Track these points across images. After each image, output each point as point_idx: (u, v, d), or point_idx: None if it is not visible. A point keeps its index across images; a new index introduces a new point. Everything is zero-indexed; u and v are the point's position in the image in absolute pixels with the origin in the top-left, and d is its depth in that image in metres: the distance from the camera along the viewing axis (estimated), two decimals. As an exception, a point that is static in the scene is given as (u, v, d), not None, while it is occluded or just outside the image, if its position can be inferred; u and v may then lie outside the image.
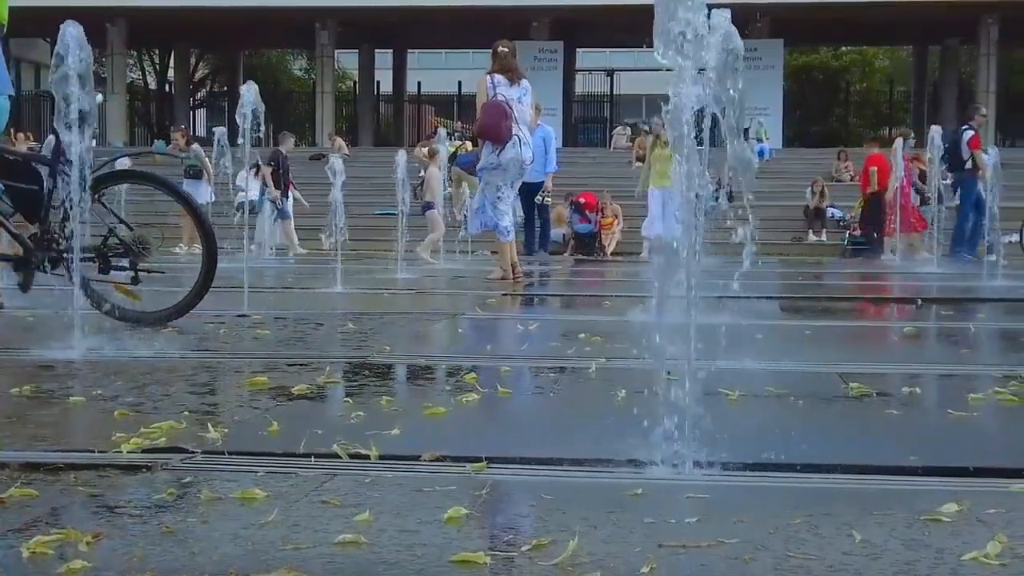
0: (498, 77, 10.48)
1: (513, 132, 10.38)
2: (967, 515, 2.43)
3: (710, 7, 3.08)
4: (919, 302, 8.91)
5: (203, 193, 18.95)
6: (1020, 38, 36.20)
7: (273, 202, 18.47)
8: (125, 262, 6.17)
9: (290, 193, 19.12)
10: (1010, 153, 24.57)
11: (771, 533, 2.30)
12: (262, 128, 8.75)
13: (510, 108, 10.36)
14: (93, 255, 6.12)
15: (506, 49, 10.61)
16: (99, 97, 7.69)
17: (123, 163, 18.61)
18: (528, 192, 16.03)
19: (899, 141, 19.09)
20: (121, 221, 6.27)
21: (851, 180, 24.92)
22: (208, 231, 6.34)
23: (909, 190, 18.43)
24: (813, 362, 5.01)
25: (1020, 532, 2.29)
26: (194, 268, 6.48)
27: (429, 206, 15.89)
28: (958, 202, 17.76)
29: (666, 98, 3.01)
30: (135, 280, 6.20)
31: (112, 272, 6.20)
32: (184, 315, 6.26)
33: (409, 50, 43.85)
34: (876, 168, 19.43)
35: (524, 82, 10.68)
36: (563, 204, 21.14)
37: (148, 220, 6.68)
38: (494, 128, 10.47)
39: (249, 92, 8.59)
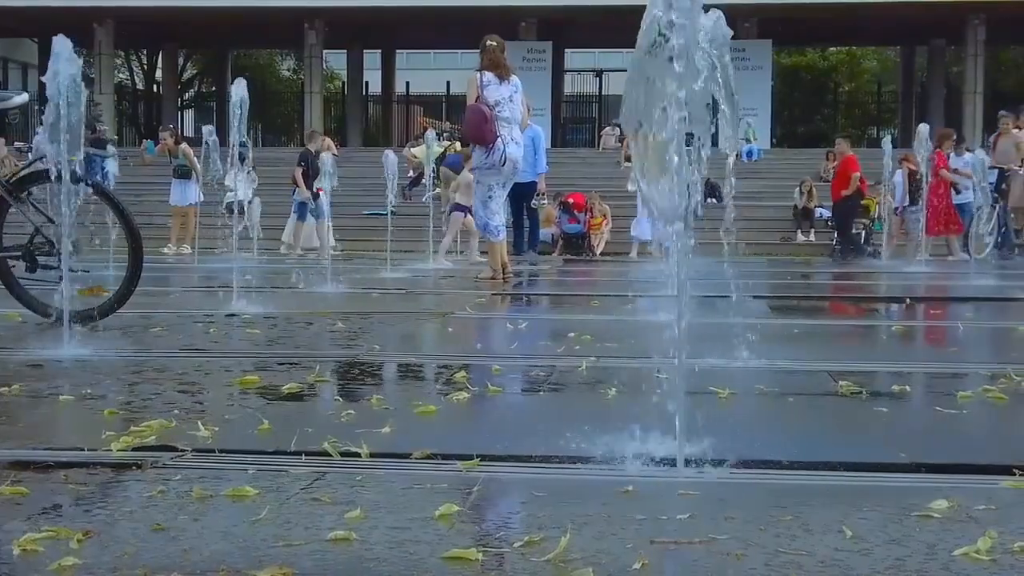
0: (488, 76, 10.45)
1: (497, 133, 10.37)
2: (957, 511, 2.44)
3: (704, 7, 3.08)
4: (908, 300, 8.95)
5: (192, 193, 18.92)
6: (1007, 38, 36.36)
7: (304, 203, 18.34)
8: (53, 261, 6.09)
9: (322, 193, 18.84)
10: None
11: (762, 530, 2.30)
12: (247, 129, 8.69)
13: (490, 110, 10.34)
14: (19, 254, 6.10)
15: (494, 43, 10.58)
16: (24, 96, 7.58)
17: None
18: (518, 192, 16.02)
19: (887, 140, 19.11)
20: (50, 220, 6.22)
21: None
22: (135, 233, 6.21)
23: (948, 190, 18.26)
24: (803, 360, 5.02)
25: (1010, 528, 2.30)
26: (184, 268, 6.46)
27: (458, 208, 15.94)
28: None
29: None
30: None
31: (39, 271, 6.15)
32: (109, 315, 6.17)
33: (397, 50, 43.83)
34: (859, 174, 19.43)
35: (514, 78, 10.65)
36: (552, 204, 21.15)
37: (137, 221, 6.63)
38: (475, 133, 10.52)
39: (238, 90, 8.54)
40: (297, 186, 18.47)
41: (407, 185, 23.66)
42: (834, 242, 20.31)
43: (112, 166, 19.11)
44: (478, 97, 10.42)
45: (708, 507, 2.47)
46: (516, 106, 10.56)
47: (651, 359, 3.25)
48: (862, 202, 20.62)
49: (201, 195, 18.67)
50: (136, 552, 2.14)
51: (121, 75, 45.18)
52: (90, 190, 5.84)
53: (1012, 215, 17.67)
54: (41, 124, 5.44)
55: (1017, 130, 17.83)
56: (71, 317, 5.97)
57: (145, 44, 44.39)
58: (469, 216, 15.34)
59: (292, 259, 16.80)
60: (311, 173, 18.28)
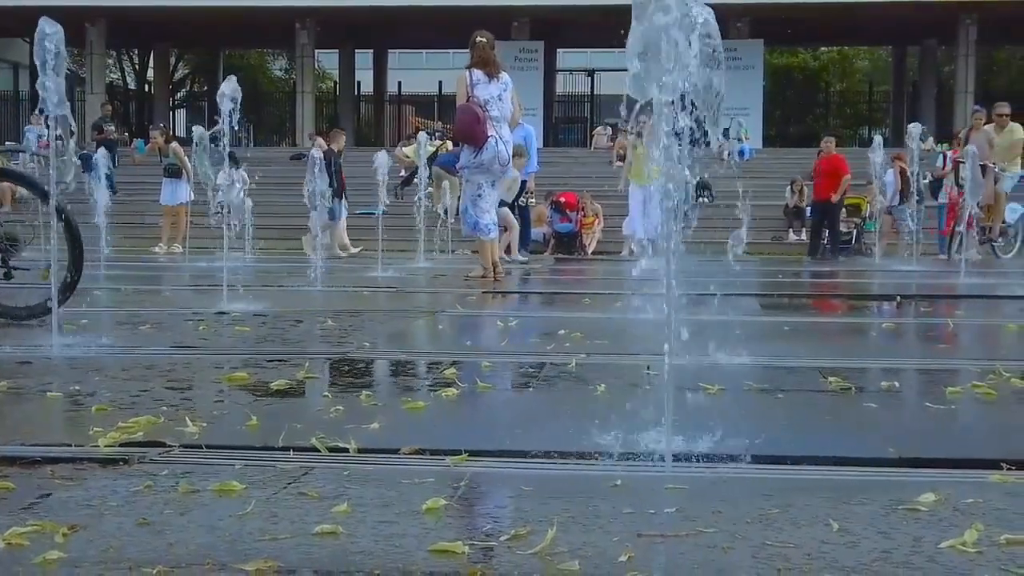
0: (477, 74, 10.43)
1: (489, 134, 10.35)
2: (944, 504, 2.44)
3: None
4: (899, 299, 8.96)
5: (183, 193, 18.88)
6: (998, 38, 36.42)
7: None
8: None
9: (344, 192, 18.72)
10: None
11: (749, 523, 2.30)
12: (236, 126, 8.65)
13: (483, 111, 10.32)
14: None
15: (484, 40, 10.55)
16: None
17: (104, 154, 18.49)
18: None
19: (877, 139, 19.08)
20: None
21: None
22: (74, 233, 6.13)
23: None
24: (793, 357, 5.02)
25: (997, 521, 2.31)
26: (175, 267, 6.44)
27: (501, 204, 16.23)
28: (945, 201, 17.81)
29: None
30: (7, 275, 6.13)
31: None
32: (47, 315, 6.15)
33: (389, 50, 43.79)
34: (849, 176, 19.40)
35: (504, 76, 10.62)
36: (544, 203, 21.15)
37: (128, 220, 6.64)
38: (468, 134, 10.50)
39: (228, 88, 8.51)
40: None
41: (399, 185, 23.63)
42: (825, 241, 20.31)
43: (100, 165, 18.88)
44: (469, 97, 10.40)
45: (695, 501, 2.47)
46: (506, 104, 10.54)
47: (641, 356, 3.24)
48: (848, 202, 20.62)
49: (191, 194, 18.63)
50: (121, 546, 2.13)
51: (113, 75, 45.10)
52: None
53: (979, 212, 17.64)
54: (30, 124, 5.45)
55: (988, 125, 17.74)
56: (8, 312, 5.96)
57: (137, 44, 44.31)
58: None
59: (344, 259, 16.77)
60: (333, 172, 18.20)
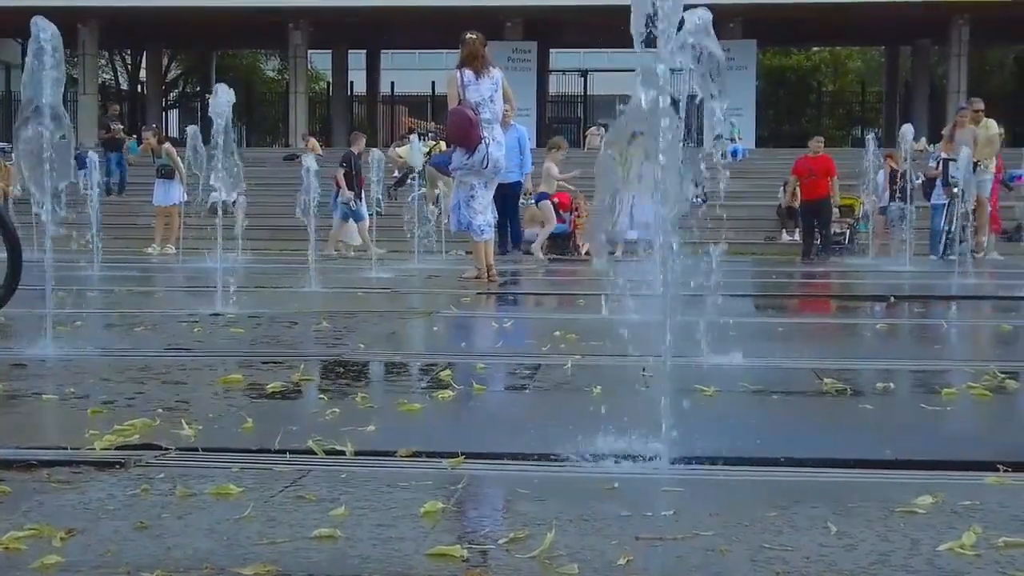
0: (467, 74, 10.40)
1: (482, 136, 10.34)
2: (942, 507, 2.44)
3: (686, 7, 3.10)
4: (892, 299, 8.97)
5: (175, 193, 18.82)
6: (990, 38, 36.46)
7: (347, 204, 18.25)
8: None
9: (363, 194, 18.71)
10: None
11: (747, 526, 2.30)
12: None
13: (475, 114, 10.31)
14: None
15: (473, 36, 10.52)
16: None
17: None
18: (503, 192, 16.02)
19: (870, 139, 19.07)
20: None
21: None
22: (12, 235, 6.02)
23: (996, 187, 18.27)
24: (788, 358, 5.02)
25: (995, 523, 2.31)
26: (168, 268, 6.42)
27: (543, 196, 16.43)
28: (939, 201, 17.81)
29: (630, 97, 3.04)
30: None
31: None
32: None
33: (383, 51, 43.75)
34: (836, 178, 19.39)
35: (495, 73, 10.58)
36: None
37: (121, 221, 6.62)
38: (461, 137, 10.48)
39: (221, 94, 8.50)
40: (339, 187, 18.30)
41: (392, 185, 23.61)
42: (817, 241, 20.30)
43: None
44: (461, 99, 10.38)
45: (693, 504, 2.47)
46: (497, 106, 10.51)
47: (636, 357, 3.24)
48: (841, 203, 20.61)
49: (184, 195, 18.57)
50: (119, 550, 2.13)
51: (105, 75, 45.00)
52: None
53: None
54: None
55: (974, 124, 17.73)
56: None
57: (129, 44, 44.23)
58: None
59: (351, 258, 16.73)
60: (354, 174, 18.16)
